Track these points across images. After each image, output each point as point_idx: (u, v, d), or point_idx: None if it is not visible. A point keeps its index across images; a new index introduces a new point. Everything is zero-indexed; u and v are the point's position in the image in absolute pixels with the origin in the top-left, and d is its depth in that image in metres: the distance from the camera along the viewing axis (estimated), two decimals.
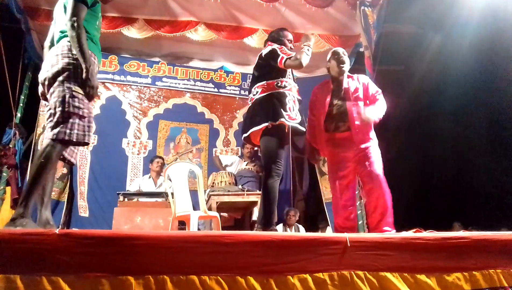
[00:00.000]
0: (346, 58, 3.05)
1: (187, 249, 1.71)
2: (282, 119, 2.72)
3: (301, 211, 5.76)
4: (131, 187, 5.14)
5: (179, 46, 5.97)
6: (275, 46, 2.96)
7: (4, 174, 4.95)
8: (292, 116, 2.77)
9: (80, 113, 2.15)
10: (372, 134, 3.05)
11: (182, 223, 3.90)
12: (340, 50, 3.11)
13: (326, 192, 5.90)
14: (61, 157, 2.24)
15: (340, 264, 1.82)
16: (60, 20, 2.30)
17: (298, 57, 2.75)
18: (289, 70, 2.96)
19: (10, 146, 5.05)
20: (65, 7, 2.25)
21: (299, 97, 2.97)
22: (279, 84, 2.85)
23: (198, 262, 1.70)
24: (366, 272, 1.83)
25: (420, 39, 6.34)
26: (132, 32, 5.35)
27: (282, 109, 2.74)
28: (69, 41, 2.17)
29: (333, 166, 3.10)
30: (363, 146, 2.96)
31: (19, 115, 5.23)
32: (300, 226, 5.25)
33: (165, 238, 1.73)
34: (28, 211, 2.02)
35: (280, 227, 5.09)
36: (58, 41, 2.25)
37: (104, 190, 5.25)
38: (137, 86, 5.92)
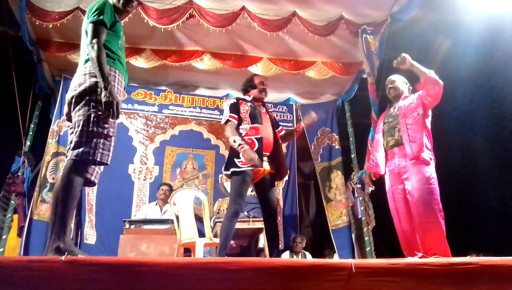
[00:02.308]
0: (396, 84, 3.28)
1: (192, 276, 1.70)
2: (232, 169, 2.92)
3: (308, 238, 5.70)
4: (138, 214, 5.13)
5: (185, 74, 6.09)
6: (229, 102, 3.18)
7: (12, 201, 4.99)
8: (244, 161, 2.88)
9: (105, 132, 2.12)
10: (425, 153, 2.88)
11: (188, 251, 3.88)
12: (392, 77, 3.34)
13: (332, 219, 5.85)
14: (86, 179, 2.16)
15: None
16: (84, 43, 2.30)
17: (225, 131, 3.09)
18: (249, 117, 3.09)
19: (19, 174, 5.11)
20: (86, 31, 2.26)
21: (259, 136, 3.01)
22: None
23: (203, 289, 1.70)
24: None
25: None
26: (139, 62, 5.48)
27: (235, 158, 2.93)
28: None
29: (390, 186, 3.09)
30: (408, 162, 2.91)
31: (28, 143, 5.33)
32: (307, 253, 5.19)
33: (171, 265, 1.73)
34: (69, 238, 1.99)
35: (287, 254, 5.03)
36: (85, 63, 2.23)
37: (109, 217, 5.23)
38: (144, 113, 6.02)
